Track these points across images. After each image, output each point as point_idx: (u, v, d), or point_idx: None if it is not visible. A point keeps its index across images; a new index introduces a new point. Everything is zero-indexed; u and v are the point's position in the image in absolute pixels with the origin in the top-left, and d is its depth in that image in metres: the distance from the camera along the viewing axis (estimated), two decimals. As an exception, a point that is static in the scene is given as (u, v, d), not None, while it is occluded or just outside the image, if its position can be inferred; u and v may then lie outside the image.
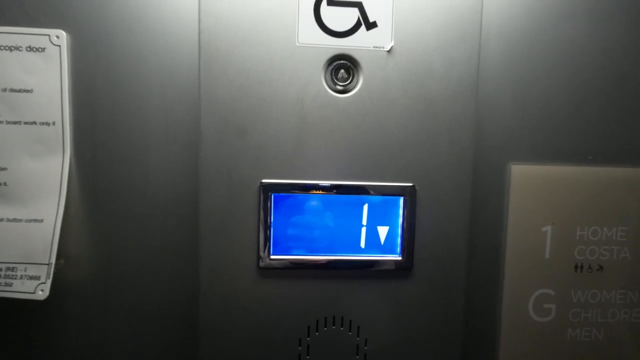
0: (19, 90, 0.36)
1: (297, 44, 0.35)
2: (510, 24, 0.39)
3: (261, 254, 0.36)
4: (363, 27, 0.35)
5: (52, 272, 0.35)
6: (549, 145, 0.40)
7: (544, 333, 0.42)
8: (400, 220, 0.37)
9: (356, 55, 0.35)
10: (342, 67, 0.35)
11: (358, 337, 0.37)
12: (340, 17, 0.35)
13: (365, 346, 0.38)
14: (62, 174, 0.36)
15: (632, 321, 0.42)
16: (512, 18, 0.39)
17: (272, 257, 0.36)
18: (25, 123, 0.36)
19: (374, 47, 0.35)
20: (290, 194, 0.36)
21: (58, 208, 0.36)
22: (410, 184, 0.36)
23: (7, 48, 0.35)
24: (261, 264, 0.36)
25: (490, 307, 0.41)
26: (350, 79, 0.35)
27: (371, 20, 0.35)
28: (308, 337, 0.37)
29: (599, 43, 0.40)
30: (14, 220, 0.36)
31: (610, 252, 0.41)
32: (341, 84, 0.35)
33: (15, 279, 0.36)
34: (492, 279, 0.41)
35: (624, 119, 0.41)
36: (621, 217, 0.41)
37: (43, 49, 0.36)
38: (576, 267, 0.41)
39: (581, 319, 0.42)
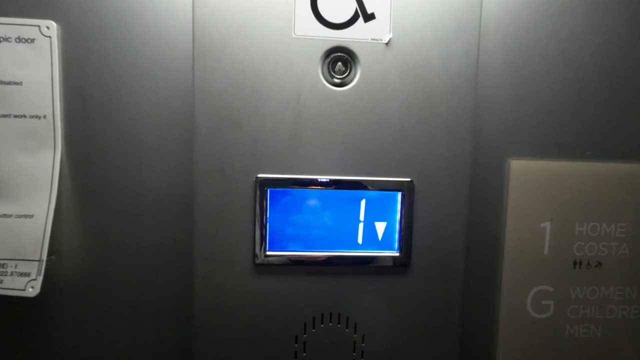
0: (8, 83, 0.35)
1: (294, 35, 0.34)
2: (510, 17, 0.39)
3: (257, 250, 0.35)
4: (361, 18, 0.34)
5: (43, 269, 0.35)
6: (549, 140, 0.40)
7: (542, 329, 0.41)
8: (398, 215, 0.36)
9: (354, 48, 0.34)
10: (340, 59, 0.35)
11: (355, 334, 0.37)
12: (338, 9, 0.34)
13: (363, 343, 0.37)
14: (53, 168, 0.36)
15: (630, 318, 0.42)
16: (511, 11, 0.39)
17: (268, 253, 0.35)
18: (15, 116, 0.35)
19: (371, 39, 0.34)
20: (286, 189, 0.35)
21: (49, 203, 0.35)
22: (409, 179, 0.36)
23: (-5, 39, 0.34)
24: (257, 260, 0.35)
25: (489, 303, 0.41)
26: (348, 71, 0.35)
27: (369, 11, 0.34)
28: (305, 334, 0.37)
29: (598, 37, 0.39)
30: (4, 215, 0.35)
31: (609, 248, 0.41)
32: (338, 76, 0.35)
33: (5, 275, 0.35)
34: (491, 274, 0.41)
35: (624, 114, 0.40)
36: (620, 213, 0.41)
37: (33, 40, 0.35)
38: (575, 263, 0.41)
39: (579, 316, 0.42)
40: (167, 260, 0.38)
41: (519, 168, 0.40)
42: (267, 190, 0.35)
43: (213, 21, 0.33)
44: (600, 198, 0.40)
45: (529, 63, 0.39)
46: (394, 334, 0.37)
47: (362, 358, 0.37)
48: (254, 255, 0.35)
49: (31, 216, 0.35)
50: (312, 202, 0.36)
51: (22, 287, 0.35)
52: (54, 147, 0.36)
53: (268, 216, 0.35)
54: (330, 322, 0.37)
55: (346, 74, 0.35)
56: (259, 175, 0.35)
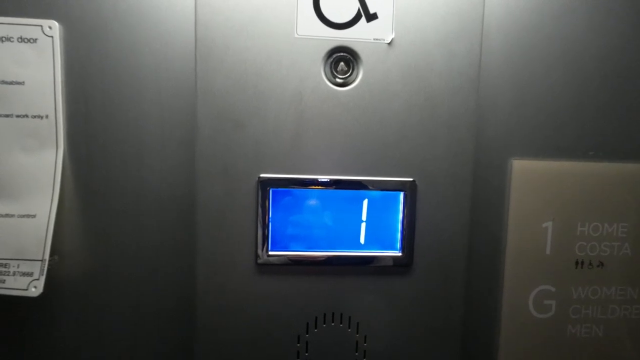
0: (10, 83, 0.35)
1: (296, 35, 0.34)
2: (512, 17, 0.39)
3: (259, 250, 0.35)
4: (363, 18, 0.34)
5: (45, 269, 0.35)
6: (550, 140, 0.40)
7: (544, 329, 0.41)
8: (400, 215, 0.36)
9: (356, 48, 0.34)
10: (342, 59, 0.35)
11: (357, 333, 0.37)
12: (340, 8, 0.34)
13: (365, 343, 0.37)
14: (55, 168, 0.36)
15: (632, 317, 0.42)
16: (513, 11, 0.39)
17: (270, 253, 0.35)
18: (17, 116, 0.35)
19: (374, 39, 0.34)
20: (289, 189, 0.35)
21: (51, 203, 0.35)
22: (411, 179, 0.36)
23: (-3, 39, 0.34)
24: (259, 260, 0.35)
25: (491, 302, 0.41)
26: (350, 71, 0.35)
27: (371, 11, 0.34)
28: (307, 334, 0.37)
29: (600, 37, 0.39)
30: (6, 215, 0.35)
31: (611, 248, 0.41)
32: (341, 76, 0.35)
33: (8, 275, 0.35)
34: (492, 274, 0.41)
35: (626, 114, 0.40)
36: (622, 213, 0.41)
37: (35, 40, 0.35)
38: (577, 263, 0.41)
39: (581, 316, 0.42)
40: (167, 260, 0.38)
41: (521, 168, 0.40)
42: (269, 190, 0.35)
43: (215, 21, 0.33)
44: (602, 198, 0.40)
45: (531, 63, 0.39)
46: (396, 333, 0.37)
47: (364, 358, 0.37)
48: (256, 255, 0.35)
49: (33, 216, 0.35)
50: (315, 202, 0.36)
51: (25, 287, 0.35)
52: (56, 147, 0.36)
53: (270, 216, 0.35)
54: (333, 322, 0.37)
55: (348, 74, 0.35)
56: (262, 175, 0.35)
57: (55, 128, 0.36)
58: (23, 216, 0.35)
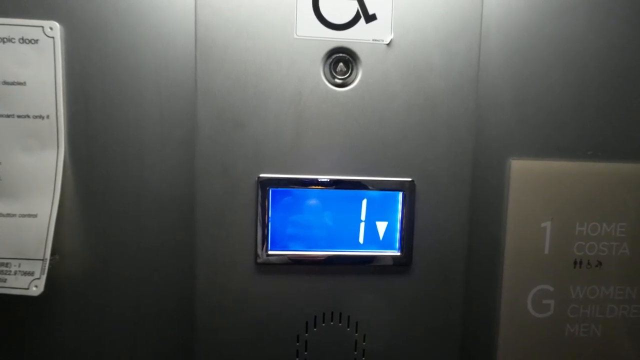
0: (12, 83, 0.35)
1: (296, 36, 0.34)
2: (511, 17, 0.39)
3: (258, 250, 0.35)
4: (362, 19, 0.34)
5: (46, 268, 0.35)
6: (550, 140, 0.40)
7: (542, 329, 0.41)
8: (399, 215, 0.37)
9: (355, 48, 0.35)
10: (341, 60, 0.35)
11: (356, 333, 0.37)
12: (340, 9, 0.34)
13: (364, 342, 0.37)
14: (56, 168, 0.36)
15: (630, 317, 0.42)
16: (512, 11, 0.39)
17: (269, 252, 0.36)
18: (19, 117, 0.35)
19: (373, 40, 0.35)
20: (288, 188, 0.35)
21: (52, 203, 0.35)
22: (410, 179, 0.36)
23: (-2, 39, 0.35)
24: (259, 260, 0.36)
25: (489, 302, 0.41)
26: (349, 72, 0.35)
27: (370, 12, 0.34)
28: (306, 333, 0.37)
29: (599, 37, 0.39)
30: (8, 215, 0.36)
31: (610, 248, 0.41)
32: (340, 77, 0.35)
33: (9, 274, 0.35)
34: (491, 274, 0.41)
35: (625, 114, 0.40)
36: (620, 213, 0.41)
37: (36, 41, 0.35)
38: (575, 262, 0.41)
39: (580, 315, 0.42)
40: (167, 260, 0.39)
41: (520, 168, 0.40)
42: (268, 190, 0.35)
43: (215, 22, 0.33)
44: (600, 198, 0.40)
45: (531, 63, 0.39)
46: (395, 333, 0.37)
47: (363, 357, 0.37)
48: (256, 255, 0.36)
49: (35, 215, 0.35)
50: (314, 201, 0.36)
51: (26, 286, 0.35)
52: (57, 147, 0.36)
53: (270, 216, 0.35)
54: (332, 321, 0.37)
55: (348, 75, 0.35)
56: (261, 175, 0.35)
57: (56, 128, 0.36)
58: (24, 216, 0.35)
